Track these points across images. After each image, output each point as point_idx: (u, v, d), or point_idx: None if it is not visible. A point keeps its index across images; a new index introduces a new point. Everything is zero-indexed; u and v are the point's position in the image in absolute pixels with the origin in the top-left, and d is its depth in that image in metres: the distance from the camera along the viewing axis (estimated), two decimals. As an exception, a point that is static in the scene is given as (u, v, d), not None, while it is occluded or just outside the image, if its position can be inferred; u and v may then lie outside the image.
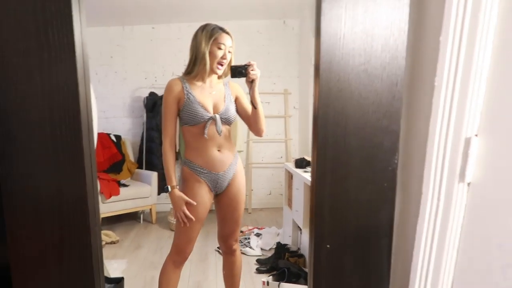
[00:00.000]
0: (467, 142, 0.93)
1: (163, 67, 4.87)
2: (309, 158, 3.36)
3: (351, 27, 0.97)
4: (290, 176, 3.55)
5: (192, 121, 1.83)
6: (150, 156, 4.67)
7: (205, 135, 1.84)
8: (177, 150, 4.72)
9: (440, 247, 1.01)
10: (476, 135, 0.92)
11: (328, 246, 1.05)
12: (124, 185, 4.19)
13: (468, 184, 0.95)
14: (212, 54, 1.81)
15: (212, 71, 1.84)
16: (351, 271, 1.07)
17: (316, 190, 1.04)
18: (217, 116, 1.84)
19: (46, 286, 1.05)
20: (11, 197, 1.00)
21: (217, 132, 1.85)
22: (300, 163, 3.26)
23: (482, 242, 0.93)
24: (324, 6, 0.95)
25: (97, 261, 1.05)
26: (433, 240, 1.03)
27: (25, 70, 0.96)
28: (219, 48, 1.81)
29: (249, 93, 1.83)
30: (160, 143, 4.60)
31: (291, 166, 3.41)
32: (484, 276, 0.92)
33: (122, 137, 4.76)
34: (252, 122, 1.95)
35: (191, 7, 4.21)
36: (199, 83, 1.88)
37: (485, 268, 0.92)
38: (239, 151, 4.81)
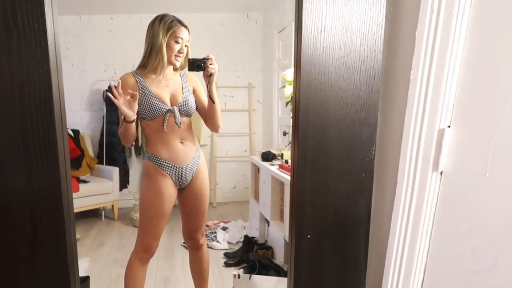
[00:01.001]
0: (441, 133, 0.97)
1: (123, 59, 4.70)
2: (275, 151, 3.39)
3: (332, 21, 0.98)
4: (256, 170, 3.56)
5: (150, 115, 1.78)
6: (110, 151, 4.51)
7: (165, 129, 1.79)
8: (139, 145, 4.61)
9: (414, 233, 1.06)
10: (449, 126, 0.97)
11: (308, 236, 1.07)
12: (84, 181, 4.03)
13: (441, 173, 1.00)
14: (169, 47, 1.76)
15: (170, 63, 1.80)
16: (330, 259, 1.10)
17: (297, 182, 1.05)
18: (175, 108, 1.81)
19: (16, 286, 0.99)
20: (-24, 194, 0.93)
21: (177, 124, 1.81)
22: (267, 156, 3.28)
23: (454, 228, 0.99)
24: (306, -1, 0.96)
25: (72, 259, 1.01)
26: (407, 227, 1.07)
27: (-10, 58, 0.89)
28: (177, 42, 1.76)
29: (207, 87, 1.81)
30: (121, 138, 4.47)
31: (257, 159, 3.42)
32: (455, 259, 0.98)
33: (81, 131, 4.56)
34: (208, 116, 1.91)
35: (153, -3, 4.10)
36: (153, 76, 1.82)
37: (457, 252, 0.98)
38: (203, 145, 4.77)
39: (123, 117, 1.71)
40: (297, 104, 1.02)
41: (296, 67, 1.02)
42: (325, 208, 1.07)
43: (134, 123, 1.73)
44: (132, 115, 1.68)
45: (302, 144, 1.02)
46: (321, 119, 1.02)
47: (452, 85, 0.95)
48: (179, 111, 1.81)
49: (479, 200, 0.93)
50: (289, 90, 2.84)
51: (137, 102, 1.67)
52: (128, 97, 1.65)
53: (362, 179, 1.08)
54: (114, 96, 1.62)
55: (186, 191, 1.96)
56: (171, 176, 1.86)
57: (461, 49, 0.93)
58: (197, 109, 1.95)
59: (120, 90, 1.63)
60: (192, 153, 1.90)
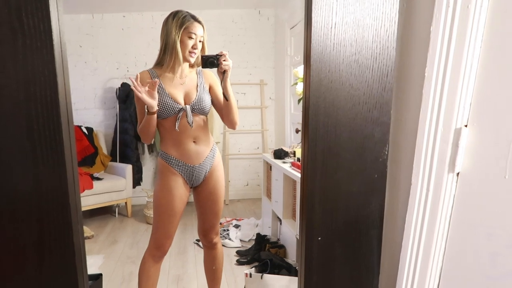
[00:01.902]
0: (457, 132, 0.93)
1: (135, 57, 4.72)
2: (287, 149, 3.36)
3: (342, 17, 0.95)
4: (268, 167, 3.54)
5: (163, 114, 1.77)
6: (124, 148, 4.54)
7: (176, 128, 1.78)
8: (152, 142, 4.62)
9: (429, 236, 1.02)
10: (466, 126, 0.93)
11: (319, 238, 1.04)
12: (98, 179, 4.07)
13: (458, 174, 0.96)
14: (182, 43, 1.74)
15: (185, 60, 1.78)
16: (342, 262, 1.07)
17: (307, 183, 1.02)
18: (188, 107, 1.79)
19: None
20: (-16, 195, 0.93)
21: (189, 123, 1.80)
22: (279, 154, 3.26)
23: (471, 231, 0.95)
24: (315, -6, 0.93)
25: (80, 260, 1.00)
26: (422, 229, 1.04)
27: (-3, 59, 0.89)
28: (190, 38, 1.74)
29: (221, 84, 1.79)
30: (134, 135, 4.50)
31: (269, 157, 3.40)
32: (473, 264, 0.94)
33: (94, 129, 4.60)
34: (224, 113, 1.89)
35: (164, -5, 4.10)
36: (169, 74, 1.81)
37: (474, 256, 0.94)
38: (216, 143, 4.76)
39: (146, 109, 1.72)
40: (307, 103, 0.99)
41: (305, 65, 0.99)
42: (336, 210, 1.05)
43: (155, 116, 1.73)
44: (154, 104, 1.69)
45: (312, 144, 1.00)
46: (332, 118, 0.99)
47: (470, 82, 0.91)
48: (192, 110, 1.80)
49: (498, 203, 0.88)
50: (301, 87, 2.81)
51: (156, 90, 1.68)
52: (147, 88, 1.66)
53: (374, 179, 1.04)
54: (136, 89, 1.64)
55: (200, 190, 1.95)
56: (181, 175, 1.85)
57: (478, 45, 0.88)
58: (214, 105, 1.93)
59: (138, 82, 1.65)
60: (205, 153, 1.88)
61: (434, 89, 0.95)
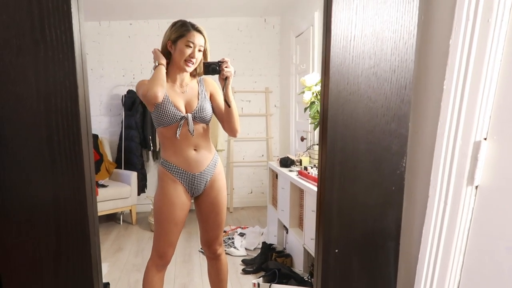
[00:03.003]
0: (476, 145, 0.93)
1: (141, 65, 4.74)
2: (293, 157, 3.35)
3: (362, 30, 0.95)
4: (274, 175, 3.54)
5: (165, 122, 1.77)
6: (129, 155, 4.55)
7: (177, 136, 1.78)
8: (156, 149, 4.63)
9: (446, 250, 1.02)
10: (485, 139, 0.93)
11: (336, 251, 1.03)
12: (103, 186, 4.07)
13: (476, 187, 0.96)
14: (180, 52, 1.75)
15: (180, 68, 1.79)
16: (358, 274, 1.06)
17: (324, 195, 1.02)
18: (189, 116, 1.79)
19: (41, 299, 0.99)
20: (3, 204, 0.93)
21: (190, 132, 1.79)
22: (285, 162, 3.25)
23: (490, 245, 0.94)
24: (335, 8, 0.94)
25: (97, 272, 1.00)
26: (439, 243, 1.03)
27: (18, 70, 0.90)
28: (188, 46, 1.75)
29: (223, 91, 1.79)
30: (139, 142, 4.51)
31: (275, 165, 3.39)
32: (492, 279, 0.93)
33: (99, 136, 4.62)
34: (226, 121, 1.88)
35: (170, 3, 4.12)
36: (169, 83, 1.82)
37: (493, 270, 0.93)
38: (220, 150, 4.76)
39: (155, 63, 1.80)
40: (325, 115, 0.99)
41: (324, 77, 1.00)
42: (353, 222, 1.04)
43: (164, 67, 1.79)
44: (164, 59, 1.80)
45: (330, 156, 0.99)
46: (350, 130, 0.99)
47: (489, 95, 0.91)
48: (193, 118, 1.80)
49: (518, 217, 0.88)
50: (308, 96, 2.81)
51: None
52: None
53: (392, 192, 1.04)
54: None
55: (201, 200, 1.93)
56: (182, 183, 1.84)
57: (499, 58, 0.88)
58: (215, 114, 1.93)
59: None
60: (206, 161, 1.87)
61: (453, 102, 0.95)
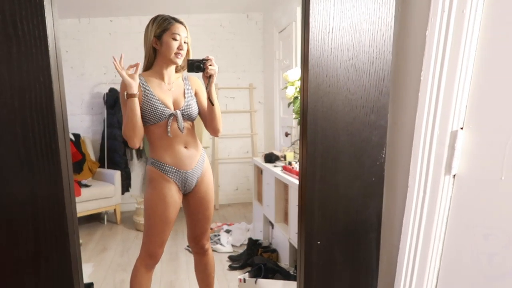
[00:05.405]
0: (453, 135, 0.95)
1: (123, 62, 4.68)
2: (277, 153, 3.36)
3: (340, 22, 0.96)
4: (259, 171, 3.54)
5: (153, 119, 1.75)
6: (112, 154, 4.49)
7: (169, 133, 1.77)
8: (141, 148, 4.58)
9: (426, 238, 1.03)
10: (461, 128, 0.94)
11: (318, 242, 1.04)
12: (86, 186, 4.01)
13: (454, 176, 0.98)
14: (167, 45, 1.74)
15: (171, 62, 1.77)
16: (341, 266, 1.07)
17: (305, 187, 1.02)
18: (178, 112, 1.78)
19: (19, 300, 0.97)
20: (-22, 205, 0.91)
21: (179, 129, 1.79)
22: (270, 158, 3.26)
23: (468, 233, 0.96)
24: (312, 0, 0.94)
25: (77, 271, 0.98)
26: (419, 232, 1.05)
27: (-10, 66, 0.87)
28: (174, 39, 1.74)
29: (206, 89, 1.78)
30: (122, 141, 4.44)
31: (260, 161, 3.40)
32: (471, 265, 0.95)
33: (81, 135, 4.54)
34: (208, 119, 1.87)
35: (152, -1, 4.08)
36: (156, 80, 1.80)
37: (472, 258, 0.95)
38: (205, 147, 4.74)
39: (125, 95, 1.68)
40: (305, 108, 0.99)
41: (303, 70, 1.00)
42: (335, 214, 1.05)
43: (137, 101, 1.69)
44: (134, 85, 1.66)
45: (311, 148, 1.00)
46: (330, 122, 1.00)
47: (465, 85, 0.92)
48: (182, 115, 1.79)
49: (494, 204, 0.90)
50: (291, 91, 2.82)
51: (137, 73, 1.68)
52: (129, 71, 1.67)
53: (372, 183, 1.05)
54: (117, 67, 1.64)
55: (191, 196, 1.93)
56: (175, 182, 1.83)
57: (474, 49, 0.90)
58: (198, 112, 1.92)
59: (122, 64, 1.65)
60: (196, 158, 1.87)
61: (430, 92, 0.97)
